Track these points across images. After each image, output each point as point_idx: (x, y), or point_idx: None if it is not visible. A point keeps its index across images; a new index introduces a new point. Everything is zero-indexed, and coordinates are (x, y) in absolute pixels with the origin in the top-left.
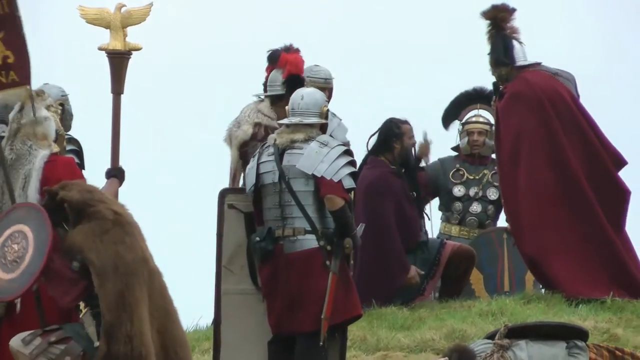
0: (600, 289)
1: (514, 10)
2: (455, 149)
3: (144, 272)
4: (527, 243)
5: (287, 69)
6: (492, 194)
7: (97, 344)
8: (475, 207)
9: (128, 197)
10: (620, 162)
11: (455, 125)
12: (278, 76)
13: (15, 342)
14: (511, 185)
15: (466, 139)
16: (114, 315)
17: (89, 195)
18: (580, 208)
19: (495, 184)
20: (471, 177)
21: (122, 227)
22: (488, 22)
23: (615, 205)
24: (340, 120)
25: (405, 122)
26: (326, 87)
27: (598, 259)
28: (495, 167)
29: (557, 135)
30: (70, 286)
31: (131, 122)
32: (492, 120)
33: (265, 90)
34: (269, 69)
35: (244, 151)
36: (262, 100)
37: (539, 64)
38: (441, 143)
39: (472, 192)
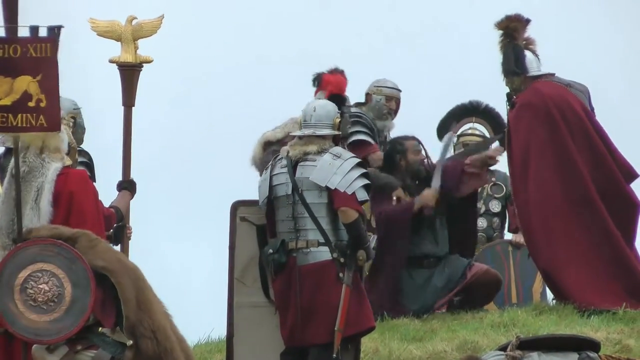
0: (611, 299)
1: (528, 21)
2: None
3: (144, 277)
4: (540, 255)
5: (328, 90)
6: (495, 207)
7: (130, 342)
8: (481, 223)
9: (139, 209)
10: (631, 175)
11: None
12: (321, 96)
13: (39, 348)
14: (523, 197)
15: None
16: (137, 316)
17: (57, 230)
18: (591, 218)
19: (496, 195)
20: None
21: (104, 242)
22: (500, 32)
23: (625, 218)
24: None
25: (410, 138)
26: (393, 97)
27: (609, 270)
28: (493, 179)
29: (566, 146)
30: (104, 306)
31: (142, 135)
32: (487, 134)
33: None
34: (316, 93)
35: (263, 150)
36: None
37: (552, 74)
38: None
39: None
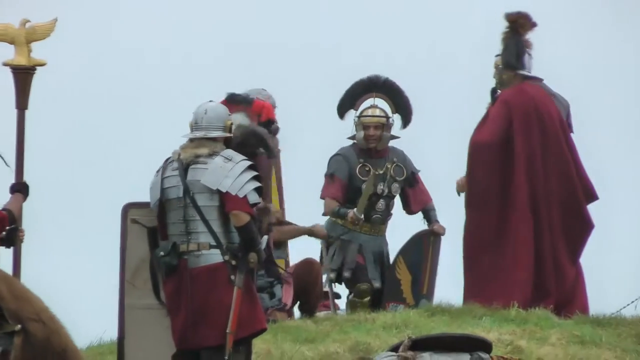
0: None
1: (534, 24)
2: (352, 138)
3: (10, 275)
4: (466, 237)
5: (264, 113)
6: (395, 190)
7: (18, 327)
8: (381, 205)
9: (32, 211)
10: (592, 196)
11: (351, 114)
12: (243, 119)
13: None
14: (482, 186)
15: (362, 133)
16: (16, 305)
17: None
18: (534, 225)
19: (397, 178)
20: (377, 172)
21: None
22: (508, 23)
23: (577, 235)
24: None
25: None
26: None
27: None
28: (395, 159)
29: (535, 153)
30: None
31: (35, 138)
32: (389, 111)
33: None
34: (233, 109)
35: None
36: None
37: (541, 80)
38: (338, 133)
39: (379, 189)
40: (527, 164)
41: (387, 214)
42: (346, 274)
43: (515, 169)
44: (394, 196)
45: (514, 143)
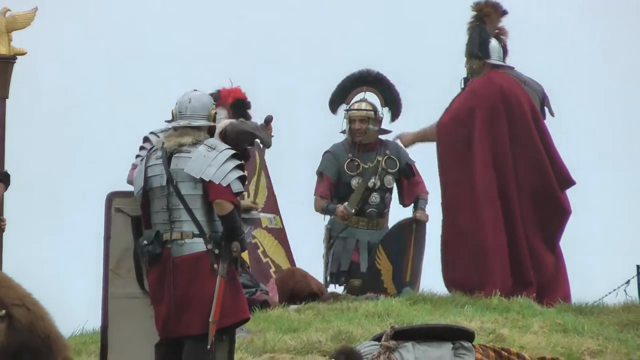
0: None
1: (504, 12)
2: (344, 132)
3: None
4: (446, 226)
5: (231, 96)
6: (389, 182)
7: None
8: (375, 198)
9: (14, 201)
10: (567, 182)
11: (343, 109)
12: (222, 111)
13: None
14: (453, 177)
15: (349, 127)
16: None
17: None
18: (505, 215)
19: (390, 170)
20: (366, 166)
21: None
22: (474, 13)
23: (554, 221)
24: None
25: None
26: None
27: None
28: (387, 152)
29: (503, 142)
30: None
31: (16, 127)
32: (378, 104)
33: None
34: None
35: None
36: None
37: (511, 68)
38: (332, 128)
39: (370, 183)
40: (494, 155)
41: (382, 207)
42: (344, 268)
43: (476, 159)
44: (389, 189)
45: (473, 135)
